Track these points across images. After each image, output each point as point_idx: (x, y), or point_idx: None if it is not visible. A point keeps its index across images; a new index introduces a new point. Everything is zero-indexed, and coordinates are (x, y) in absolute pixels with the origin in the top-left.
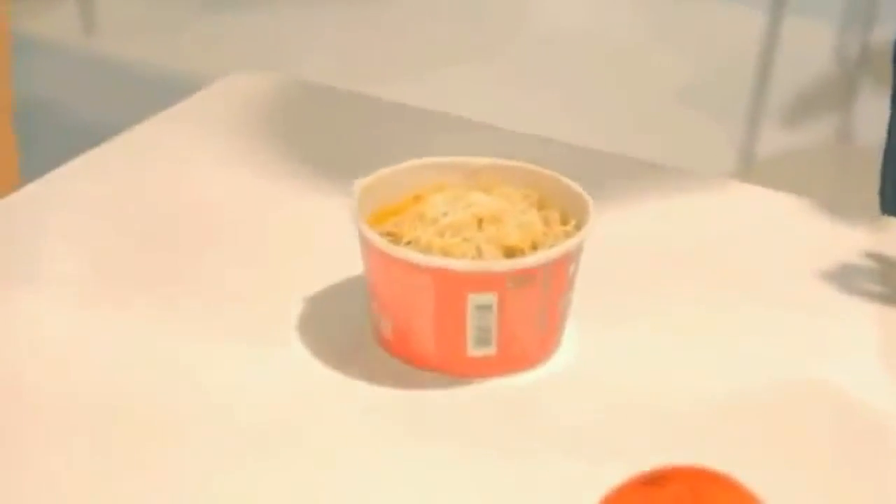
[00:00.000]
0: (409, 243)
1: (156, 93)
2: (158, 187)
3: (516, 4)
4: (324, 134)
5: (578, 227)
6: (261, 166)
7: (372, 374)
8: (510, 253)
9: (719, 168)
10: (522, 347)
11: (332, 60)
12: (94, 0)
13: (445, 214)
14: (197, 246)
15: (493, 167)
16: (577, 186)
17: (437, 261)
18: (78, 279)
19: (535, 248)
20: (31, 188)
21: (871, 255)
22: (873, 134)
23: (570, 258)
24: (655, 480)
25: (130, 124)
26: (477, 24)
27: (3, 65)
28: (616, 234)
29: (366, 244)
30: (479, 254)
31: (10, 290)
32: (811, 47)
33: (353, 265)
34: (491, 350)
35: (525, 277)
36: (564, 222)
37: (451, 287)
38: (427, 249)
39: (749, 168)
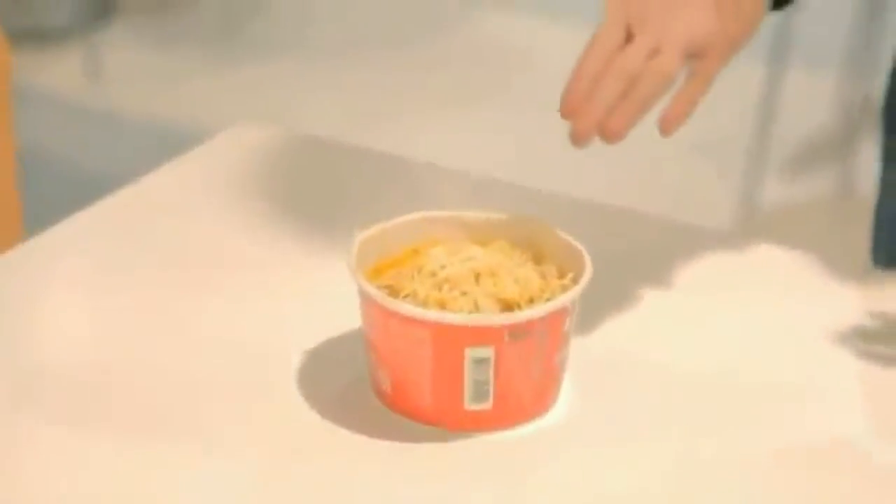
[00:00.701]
0: (406, 297)
1: (160, 144)
2: (160, 241)
3: (515, 58)
4: (324, 187)
5: (575, 281)
6: (262, 219)
7: (369, 428)
8: (507, 307)
9: (720, 220)
10: (519, 401)
11: (334, 112)
12: (98, 51)
13: (443, 268)
14: (198, 298)
15: (491, 221)
16: (573, 240)
17: (434, 314)
18: (80, 332)
19: (532, 302)
20: (34, 242)
21: (872, 314)
22: (875, 186)
23: (567, 312)
24: None
25: (134, 175)
26: (477, 73)
27: (5, 116)
28: (613, 287)
29: (364, 297)
30: (477, 308)
31: (14, 343)
32: (812, 99)
33: (352, 318)
34: (488, 404)
35: (522, 331)
36: (561, 276)
37: (449, 341)
38: (425, 303)
39: (750, 220)
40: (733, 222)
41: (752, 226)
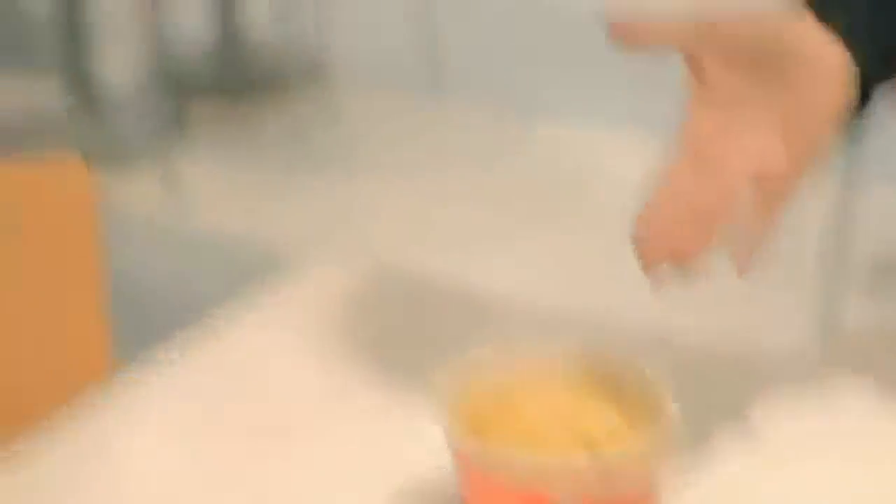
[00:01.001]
0: (495, 451)
1: (237, 261)
2: (240, 379)
3: (587, 174)
4: (401, 323)
5: (662, 423)
6: (343, 361)
7: None
8: (594, 450)
9: (799, 343)
10: None
11: (404, 227)
12: (177, 172)
13: (531, 417)
14: (278, 442)
15: (575, 358)
16: (654, 377)
17: (526, 468)
18: (165, 475)
19: (619, 445)
20: (118, 384)
21: None
22: None
23: (656, 454)
24: None
25: (212, 297)
26: (548, 192)
27: (95, 247)
28: (700, 427)
29: (459, 457)
30: (566, 455)
31: (99, 478)
32: (889, 215)
33: (438, 462)
34: None
35: (612, 477)
36: (642, 414)
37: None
38: (515, 455)
39: (830, 343)
40: (813, 345)
41: (832, 349)
